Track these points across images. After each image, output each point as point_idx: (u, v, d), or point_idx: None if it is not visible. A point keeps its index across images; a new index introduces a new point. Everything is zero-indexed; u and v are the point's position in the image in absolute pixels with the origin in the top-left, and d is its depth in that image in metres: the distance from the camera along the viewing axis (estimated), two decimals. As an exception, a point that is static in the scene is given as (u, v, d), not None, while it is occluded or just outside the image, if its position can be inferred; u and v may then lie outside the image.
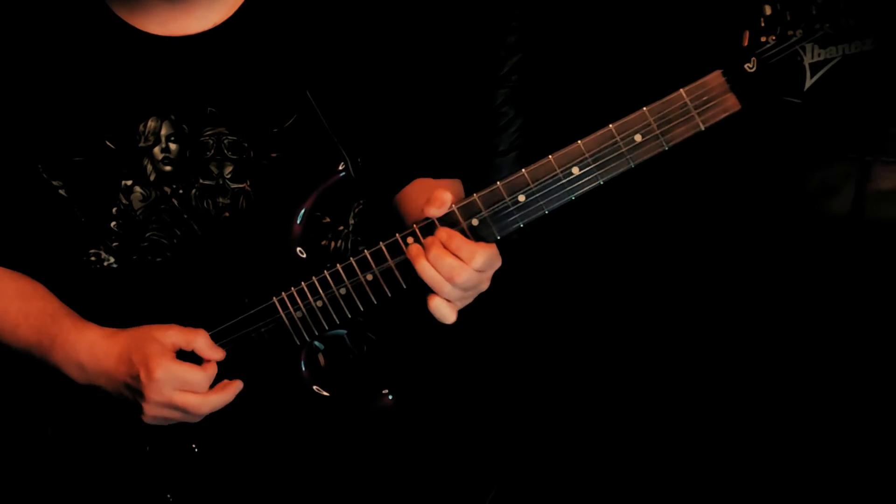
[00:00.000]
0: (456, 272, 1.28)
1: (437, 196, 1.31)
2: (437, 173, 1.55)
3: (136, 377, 1.35)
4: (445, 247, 1.29)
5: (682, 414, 1.94)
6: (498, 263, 1.33)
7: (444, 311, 1.30)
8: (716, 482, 1.88)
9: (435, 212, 1.31)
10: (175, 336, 1.38)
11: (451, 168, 1.57)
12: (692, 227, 1.96)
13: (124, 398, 1.39)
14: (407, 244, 1.34)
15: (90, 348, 1.40)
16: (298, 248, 1.40)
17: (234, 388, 1.39)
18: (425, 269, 1.29)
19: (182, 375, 1.35)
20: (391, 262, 1.35)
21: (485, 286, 1.34)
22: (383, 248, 1.35)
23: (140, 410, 1.37)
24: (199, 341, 1.38)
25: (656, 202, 1.96)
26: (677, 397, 1.95)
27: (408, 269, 1.33)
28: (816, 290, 1.87)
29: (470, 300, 1.34)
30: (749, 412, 1.90)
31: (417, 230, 1.33)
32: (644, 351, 1.99)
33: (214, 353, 1.39)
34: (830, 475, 1.81)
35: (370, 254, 1.36)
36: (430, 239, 1.30)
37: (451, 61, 2.03)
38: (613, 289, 2.04)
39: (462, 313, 1.34)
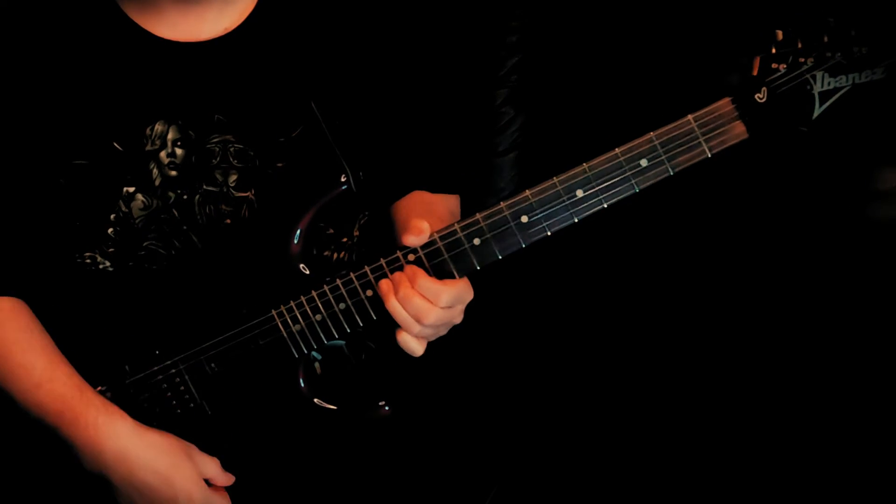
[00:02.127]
0: (423, 313, 1.29)
1: (413, 225, 1.32)
2: (439, 180, 1.55)
3: (173, 499, 1.36)
4: (411, 285, 1.30)
5: (680, 414, 1.95)
6: (468, 297, 1.34)
7: (412, 345, 1.32)
8: (716, 482, 1.89)
9: (413, 240, 1.32)
10: (212, 469, 1.41)
11: (454, 171, 1.57)
12: (689, 226, 1.97)
13: (127, 499, 1.38)
14: (408, 261, 1.34)
15: (118, 440, 1.36)
16: (301, 265, 1.39)
17: None
18: (395, 309, 1.30)
19: None
20: None
21: (458, 320, 1.35)
22: (384, 265, 1.35)
23: None
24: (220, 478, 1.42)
25: (654, 203, 1.96)
26: (675, 397, 1.96)
27: None
28: (820, 293, 1.87)
29: (443, 333, 1.36)
30: (749, 412, 1.91)
31: (401, 257, 1.34)
32: (642, 350, 1.99)
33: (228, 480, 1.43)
34: (830, 475, 1.82)
35: (370, 269, 1.35)
36: (397, 275, 1.32)
37: (452, 62, 2.02)
38: (608, 291, 2.04)
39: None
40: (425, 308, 1.29)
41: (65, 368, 1.40)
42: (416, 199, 1.53)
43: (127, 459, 1.35)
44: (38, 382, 1.38)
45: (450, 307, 1.31)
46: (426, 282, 1.30)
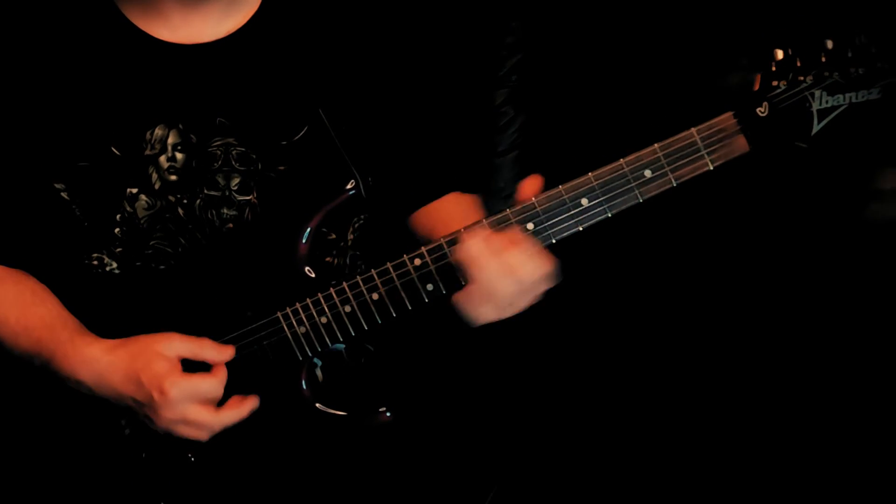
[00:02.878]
0: (517, 267, 1.27)
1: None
2: (442, 181, 1.55)
3: (149, 397, 1.34)
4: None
5: (680, 416, 1.97)
6: (544, 272, 1.31)
7: (486, 308, 1.31)
8: (716, 482, 1.91)
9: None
10: (180, 347, 1.36)
11: (455, 171, 1.58)
12: (691, 235, 1.99)
13: (131, 412, 1.39)
14: (415, 265, 1.35)
15: (89, 365, 1.38)
16: (307, 268, 1.40)
17: (248, 404, 1.38)
18: (489, 263, 1.28)
19: (195, 389, 1.34)
20: (397, 283, 1.36)
21: (527, 299, 1.33)
22: (390, 268, 1.36)
23: (150, 424, 1.37)
24: (206, 350, 1.37)
25: (657, 212, 1.97)
26: (675, 400, 1.98)
27: (413, 290, 1.35)
28: (820, 300, 1.89)
29: (519, 306, 1.33)
30: (752, 414, 1.93)
31: (408, 261, 1.35)
32: (643, 356, 2.01)
33: (223, 354, 1.38)
34: (831, 475, 1.85)
35: (377, 273, 1.36)
36: (485, 235, 1.29)
37: (453, 63, 2.02)
38: (611, 299, 2.06)
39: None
40: (520, 263, 1.27)
41: (37, 311, 1.43)
42: (443, 206, 1.53)
43: (104, 380, 1.37)
44: (16, 332, 1.43)
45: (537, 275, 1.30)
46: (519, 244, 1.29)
